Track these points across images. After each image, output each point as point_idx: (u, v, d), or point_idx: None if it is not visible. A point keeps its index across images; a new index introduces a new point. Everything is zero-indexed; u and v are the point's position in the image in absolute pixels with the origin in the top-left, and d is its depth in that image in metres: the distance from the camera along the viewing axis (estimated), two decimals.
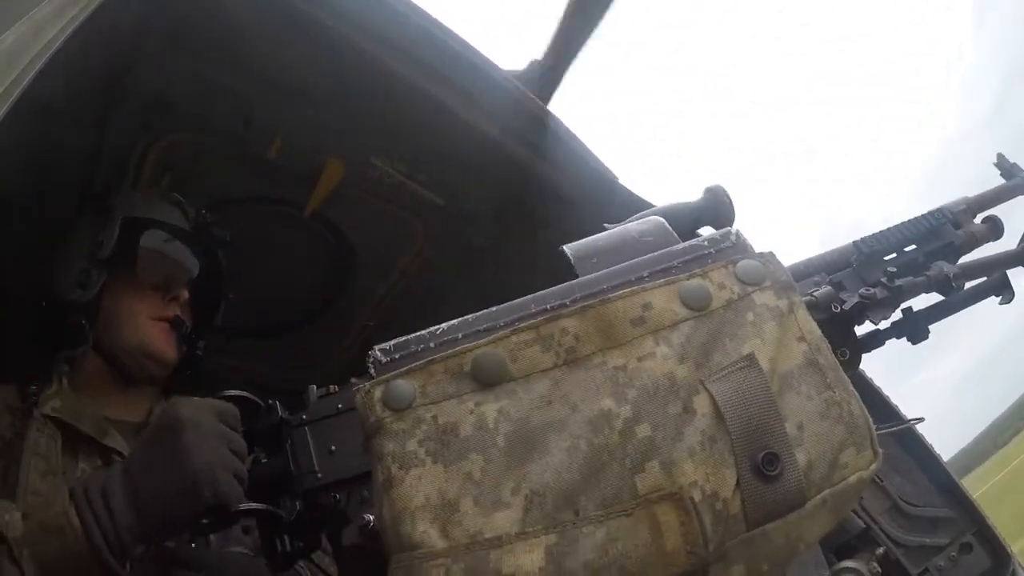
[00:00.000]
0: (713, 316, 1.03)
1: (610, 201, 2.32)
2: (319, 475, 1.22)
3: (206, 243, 2.04)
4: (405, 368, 1.01)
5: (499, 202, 2.43)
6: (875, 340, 1.46)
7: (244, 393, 1.29)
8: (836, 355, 1.39)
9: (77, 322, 1.88)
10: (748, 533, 0.93)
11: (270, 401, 1.28)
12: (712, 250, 1.10)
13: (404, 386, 1.00)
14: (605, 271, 1.10)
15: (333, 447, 1.25)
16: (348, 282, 2.69)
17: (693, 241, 1.13)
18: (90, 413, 1.79)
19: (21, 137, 1.33)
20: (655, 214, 1.36)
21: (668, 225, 1.21)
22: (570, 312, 1.02)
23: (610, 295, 1.03)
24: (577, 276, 1.11)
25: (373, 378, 1.01)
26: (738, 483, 0.93)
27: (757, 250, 1.24)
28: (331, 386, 1.27)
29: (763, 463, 0.93)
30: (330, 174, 2.29)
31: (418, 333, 1.06)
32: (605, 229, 1.40)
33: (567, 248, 1.17)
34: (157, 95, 1.96)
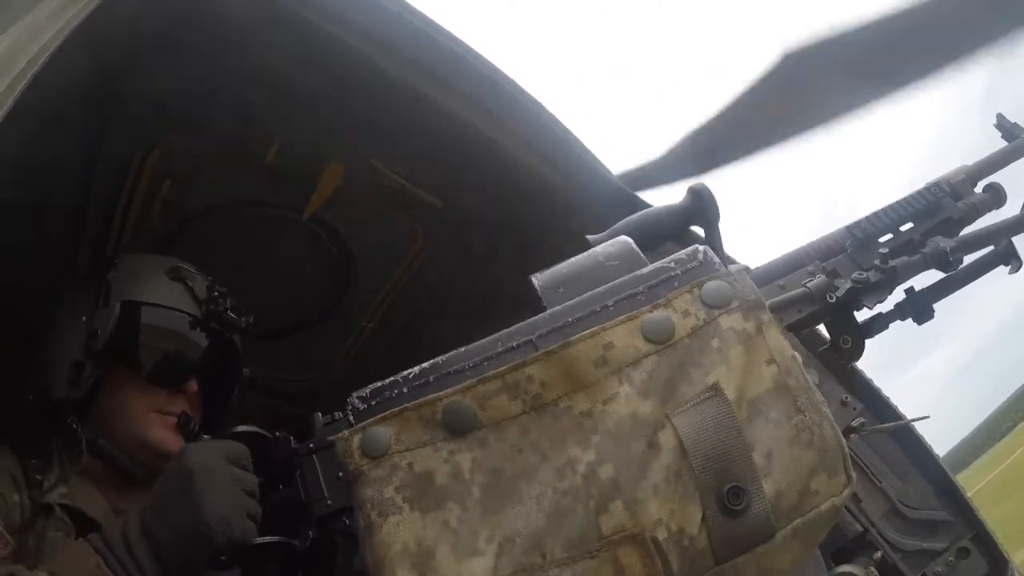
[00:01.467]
0: (677, 347, 1.03)
1: (610, 203, 2.32)
2: (329, 502, 1.22)
3: (219, 330, 1.84)
4: (380, 416, 1.05)
5: (498, 205, 2.42)
6: (879, 324, 1.44)
7: (253, 428, 1.30)
8: (838, 343, 1.39)
9: (68, 424, 1.69)
10: (717, 567, 0.93)
11: (278, 433, 1.29)
12: (678, 271, 1.11)
13: (381, 433, 1.03)
14: (570, 303, 1.11)
15: (341, 473, 1.22)
16: (348, 285, 2.69)
17: (659, 263, 1.13)
18: (96, 501, 1.67)
19: (17, 143, 1.33)
20: (640, 220, 1.36)
21: (635, 246, 1.21)
22: (534, 358, 1.04)
23: (572, 337, 1.04)
24: (544, 307, 1.13)
25: (351, 424, 1.06)
26: (704, 518, 0.94)
27: (739, 261, 1.24)
28: (336, 413, 1.26)
29: (728, 497, 0.94)
30: (329, 178, 2.29)
31: (393, 378, 1.09)
32: (604, 230, 1.41)
33: (534, 278, 1.19)
34: (154, 100, 1.96)
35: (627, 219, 1.40)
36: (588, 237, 1.36)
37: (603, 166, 2.40)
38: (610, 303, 1.09)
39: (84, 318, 1.74)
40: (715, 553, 0.93)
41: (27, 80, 1.29)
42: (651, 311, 1.05)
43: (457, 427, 1.02)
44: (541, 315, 1.11)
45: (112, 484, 1.73)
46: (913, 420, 1.41)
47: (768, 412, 0.98)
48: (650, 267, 1.13)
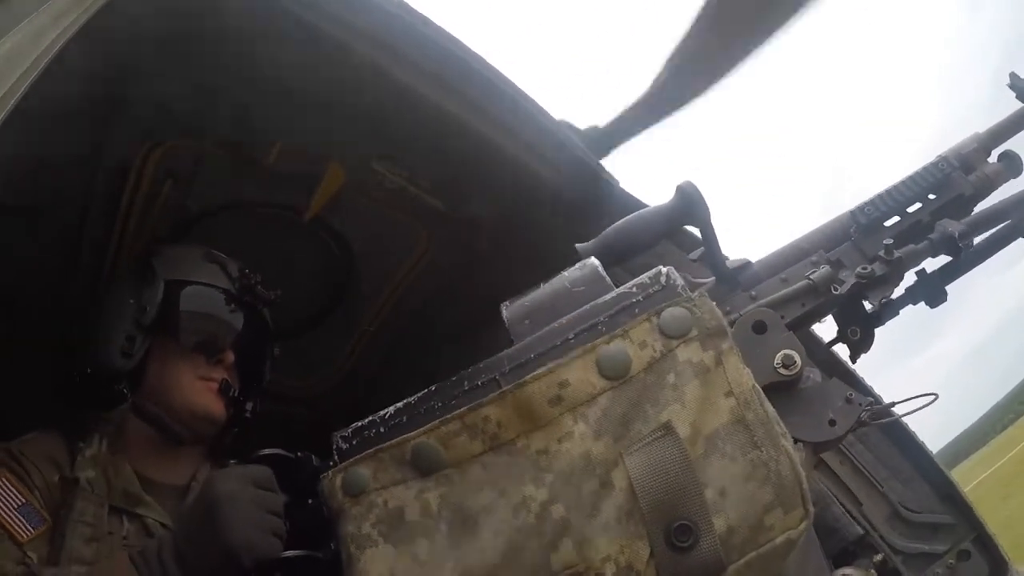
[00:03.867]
0: (633, 383, 1.05)
1: (610, 205, 2.32)
2: None
3: (251, 303, 2.05)
4: (359, 456, 1.14)
5: (500, 207, 2.42)
6: (889, 311, 1.36)
7: (276, 451, 1.38)
8: (846, 334, 1.36)
9: (119, 389, 1.88)
10: None
11: (299, 453, 1.35)
12: (640, 297, 1.12)
13: (360, 473, 1.13)
14: (534, 336, 1.15)
15: (326, 509, 1.30)
16: (349, 288, 2.69)
17: (623, 288, 1.15)
18: (123, 481, 1.80)
19: (20, 142, 1.33)
20: (629, 224, 1.35)
21: (601, 270, 1.23)
22: (491, 399, 1.08)
23: (526, 377, 1.07)
24: (512, 341, 1.17)
25: (335, 464, 1.16)
26: (652, 554, 0.96)
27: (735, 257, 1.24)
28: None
29: (676, 534, 0.96)
30: (331, 179, 2.29)
31: (371, 417, 1.18)
32: (604, 229, 1.40)
33: (503, 308, 1.24)
34: (156, 101, 1.96)
35: (617, 223, 1.39)
36: (577, 246, 1.36)
37: (601, 167, 2.40)
38: (571, 336, 1.12)
39: (132, 299, 1.93)
40: None
41: (30, 81, 1.30)
42: (608, 343, 1.07)
43: (425, 466, 1.09)
44: (506, 351, 1.15)
45: (151, 452, 1.90)
46: (924, 397, 1.34)
47: (724, 447, 0.99)
48: (612, 293, 1.15)
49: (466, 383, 1.14)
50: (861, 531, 2.01)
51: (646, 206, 2.30)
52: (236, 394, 1.96)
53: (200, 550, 1.31)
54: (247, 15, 1.77)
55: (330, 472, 1.15)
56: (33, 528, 1.59)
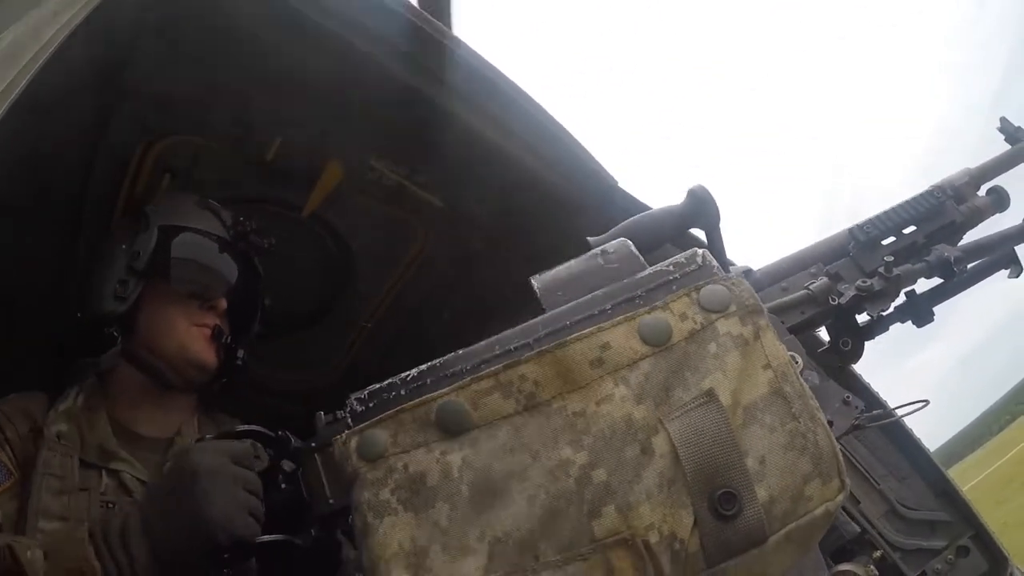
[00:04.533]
0: (674, 350, 1.03)
1: (609, 204, 2.32)
2: (331, 500, 1.22)
3: (244, 251, 2.04)
4: (377, 418, 1.06)
5: (498, 204, 2.42)
6: (879, 326, 1.43)
7: (255, 427, 1.33)
8: (838, 345, 1.40)
9: (109, 333, 1.87)
10: (709, 571, 0.94)
11: (280, 432, 1.31)
12: (677, 275, 1.11)
13: (378, 435, 1.05)
14: (569, 305, 1.12)
15: (340, 474, 1.24)
16: (347, 284, 2.69)
17: (658, 267, 1.13)
18: (97, 436, 1.77)
19: (19, 137, 1.33)
20: (639, 222, 1.36)
21: (634, 248, 1.21)
22: (528, 357, 1.04)
23: (568, 337, 1.04)
24: (544, 310, 1.13)
25: (350, 427, 1.07)
26: (696, 523, 0.94)
27: (737, 263, 1.24)
28: (338, 412, 1.29)
29: (720, 502, 0.94)
30: (329, 176, 2.29)
31: (390, 380, 1.11)
32: (606, 231, 1.40)
33: (534, 280, 1.19)
34: (155, 96, 1.96)
35: (627, 221, 1.40)
36: (589, 239, 1.36)
37: (600, 165, 2.40)
38: (608, 306, 1.09)
39: (125, 245, 1.91)
40: (707, 557, 0.94)
41: (30, 75, 1.29)
42: (649, 313, 1.05)
43: (451, 427, 1.03)
44: (540, 318, 1.11)
45: (139, 401, 1.89)
46: (917, 404, 1.38)
47: (763, 418, 0.99)
48: (648, 270, 1.13)
49: (497, 347, 1.09)
50: (859, 529, 2.02)
51: (645, 205, 2.31)
52: (228, 340, 1.95)
53: (171, 524, 1.25)
54: (247, 11, 1.78)
55: (344, 434, 1.07)
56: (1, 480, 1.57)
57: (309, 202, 2.37)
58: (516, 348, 1.07)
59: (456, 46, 2.01)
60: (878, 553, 2.01)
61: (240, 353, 1.98)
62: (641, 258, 1.20)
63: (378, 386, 1.11)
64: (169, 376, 1.90)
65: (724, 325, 1.04)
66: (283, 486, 1.28)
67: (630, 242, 1.24)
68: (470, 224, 2.51)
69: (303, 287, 2.67)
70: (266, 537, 1.24)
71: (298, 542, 1.23)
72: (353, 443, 1.05)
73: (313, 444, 1.27)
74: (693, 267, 1.11)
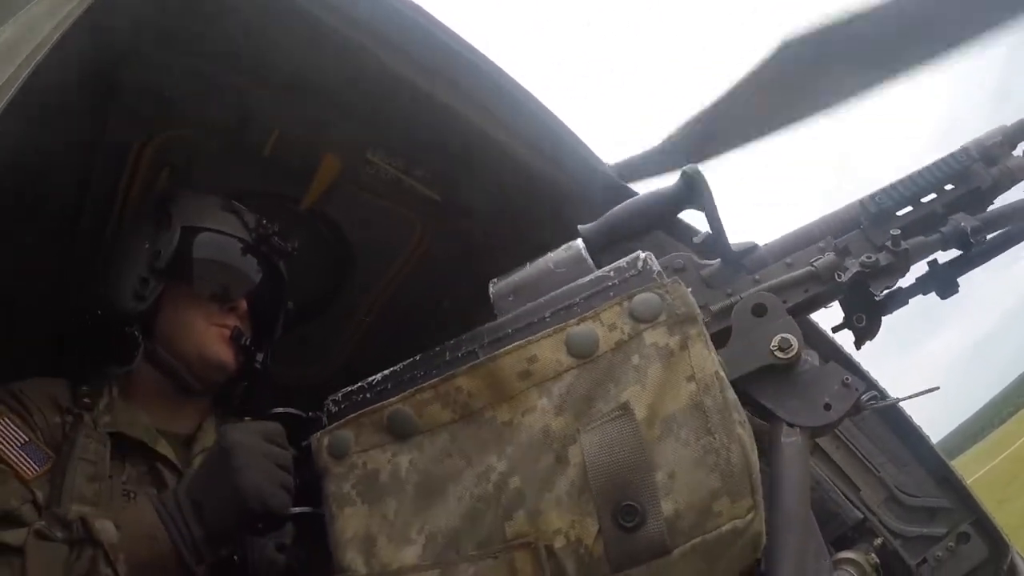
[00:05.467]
0: (599, 362, 1.07)
1: (605, 196, 2.32)
2: None
3: (266, 254, 2.03)
4: (343, 421, 1.21)
5: (495, 197, 2.42)
6: (898, 299, 1.34)
7: (289, 409, 1.44)
8: (852, 322, 1.34)
9: (131, 333, 1.87)
10: (614, 575, 0.99)
11: (310, 413, 1.40)
12: (616, 281, 1.15)
13: (344, 436, 1.19)
14: (513, 314, 1.20)
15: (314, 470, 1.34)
16: (346, 278, 2.69)
17: (601, 272, 1.18)
18: (142, 422, 1.81)
19: (16, 133, 1.33)
20: (628, 208, 1.36)
21: (584, 252, 1.26)
22: (463, 371, 1.13)
23: (498, 351, 1.12)
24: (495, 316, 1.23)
25: (325, 426, 1.23)
26: (600, 531, 0.99)
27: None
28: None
29: (622, 514, 0.99)
30: (326, 170, 2.30)
31: (360, 384, 1.25)
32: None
33: (491, 285, 1.29)
34: (153, 91, 1.95)
35: (617, 207, 1.40)
36: (580, 227, 1.37)
37: (597, 158, 2.41)
38: (547, 314, 1.16)
39: (147, 244, 1.92)
40: (611, 563, 0.99)
41: (28, 71, 1.29)
42: (578, 324, 1.10)
43: (400, 432, 1.15)
44: (488, 325, 1.21)
45: (159, 401, 1.90)
46: (926, 392, 1.33)
47: (679, 431, 1.01)
48: (591, 276, 1.18)
49: (447, 354, 1.19)
50: (861, 516, 2.02)
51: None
52: (248, 343, 1.94)
53: (214, 496, 1.35)
54: (246, 5, 1.77)
55: (318, 434, 1.22)
56: (38, 466, 1.59)
57: (307, 196, 2.37)
58: (463, 355, 1.18)
59: (453, 40, 2.01)
60: (879, 540, 2.02)
61: (259, 357, 1.98)
62: (589, 261, 1.24)
63: (350, 389, 1.25)
64: (187, 379, 1.90)
65: (651, 335, 1.07)
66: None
67: (582, 246, 1.27)
68: (469, 218, 2.51)
69: (301, 282, 2.66)
70: (296, 509, 1.34)
71: (323, 513, 1.30)
72: (325, 442, 1.21)
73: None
74: (632, 272, 1.14)
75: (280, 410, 1.45)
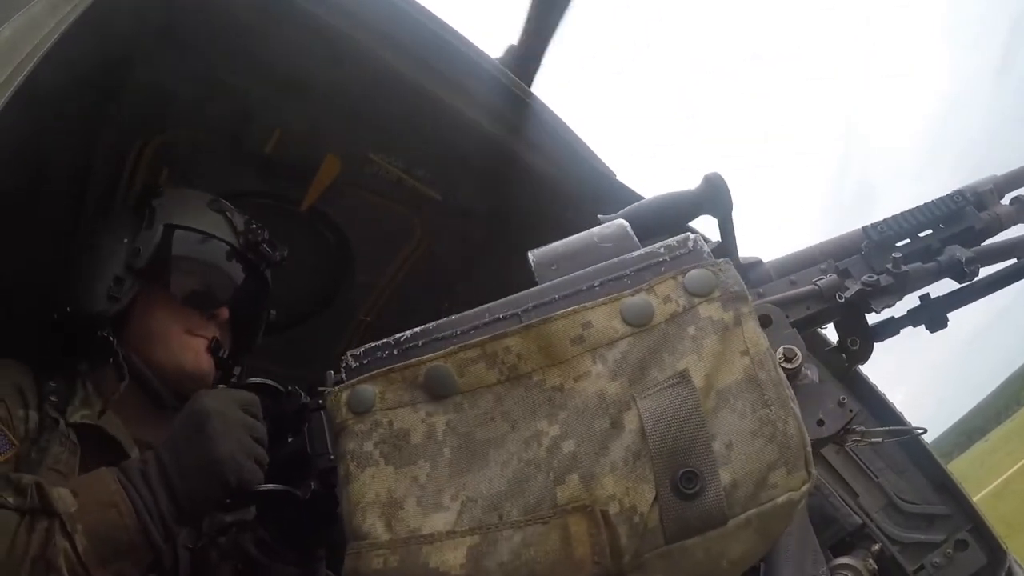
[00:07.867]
0: (654, 331, 1.05)
1: (607, 197, 2.32)
2: (332, 456, 1.27)
3: (253, 261, 1.90)
4: (368, 374, 1.11)
5: (496, 197, 2.43)
6: (889, 328, 1.41)
7: (266, 381, 1.39)
8: (846, 344, 1.39)
9: (102, 336, 1.73)
10: (666, 547, 0.96)
11: (290, 387, 1.37)
12: (667, 257, 1.12)
13: (367, 391, 1.09)
14: (559, 280, 1.14)
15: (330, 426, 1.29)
16: (347, 278, 2.69)
17: (649, 248, 1.15)
18: (118, 424, 1.70)
19: (17, 131, 1.33)
20: (649, 205, 1.36)
21: (630, 229, 1.23)
22: (514, 331, 1.07)
23: (552, 313, 1.07)
24: (536, 283, 1.16)
25: (343, 381, 1.12)
26: (656, 498, 0.96)
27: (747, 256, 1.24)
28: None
29: (682, 481, 0.96)
30: (327, 170, 2.29)
31: (385, 340, 1.14)
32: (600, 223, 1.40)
33: (531, 254, 1.21)
34: (154, 90, 1.95)
35: (639, 203, 1.40)
36: (599, 216, 1.37)
37: (598, 158, 2.41)
38: (596, 283, 1.11)
39: (126, 239, 1.79)
40: (665, 532, 0.96)
41: (29, 69, 1.29)
42: (633, 295, 1.07)
43: (437, 390, 1.07)
44: (531, 290, 1.14)
45: (134, 410, 1.75)
46: (914, 429, 1.39)
47: (735, 403, 1.00)
48: (639, 251, 1.15)
49: (487, 315, 1.12)
50: (859, 521, 2.03)
51: (643, 197, 2.31)
52: (226, 355, 1.82)
53: (185, 463, 1.29)
54: (247, 5, 1.77)
55: (337, 388, 1.12)
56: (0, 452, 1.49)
57: (308, 195, 2.36)
58: (505, 317, 1.10)
59: (457, 41, 2.01)
60: (877, 546, 2.02)
61: (236, 370, 1.87)
62: (635, 239, 1.21)
63: (373, 344, 1.15)
64: (160, 391, 1.78)
65: (706, 309, 1.06)
66: (288, 440, 1.34)
67: (627, 224, 1.25)
68: (469, 217, 2.51)
69: (302, 282, 2.67)
70: (268, 485, 1.29)
71: (297, 493, 1.28)
72: (344, 396, 1.10)
73: (320, 401, 1.32)
74: (683, 251, 1.12)
75: (257, 380, 1.39)
